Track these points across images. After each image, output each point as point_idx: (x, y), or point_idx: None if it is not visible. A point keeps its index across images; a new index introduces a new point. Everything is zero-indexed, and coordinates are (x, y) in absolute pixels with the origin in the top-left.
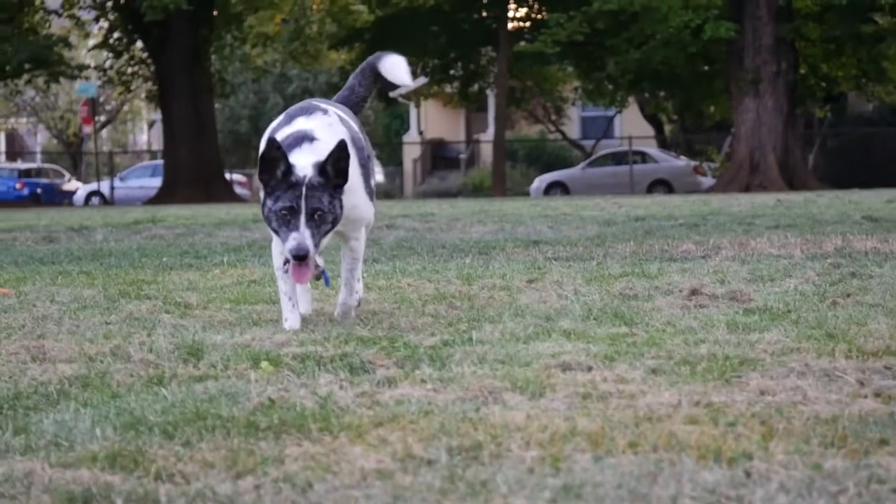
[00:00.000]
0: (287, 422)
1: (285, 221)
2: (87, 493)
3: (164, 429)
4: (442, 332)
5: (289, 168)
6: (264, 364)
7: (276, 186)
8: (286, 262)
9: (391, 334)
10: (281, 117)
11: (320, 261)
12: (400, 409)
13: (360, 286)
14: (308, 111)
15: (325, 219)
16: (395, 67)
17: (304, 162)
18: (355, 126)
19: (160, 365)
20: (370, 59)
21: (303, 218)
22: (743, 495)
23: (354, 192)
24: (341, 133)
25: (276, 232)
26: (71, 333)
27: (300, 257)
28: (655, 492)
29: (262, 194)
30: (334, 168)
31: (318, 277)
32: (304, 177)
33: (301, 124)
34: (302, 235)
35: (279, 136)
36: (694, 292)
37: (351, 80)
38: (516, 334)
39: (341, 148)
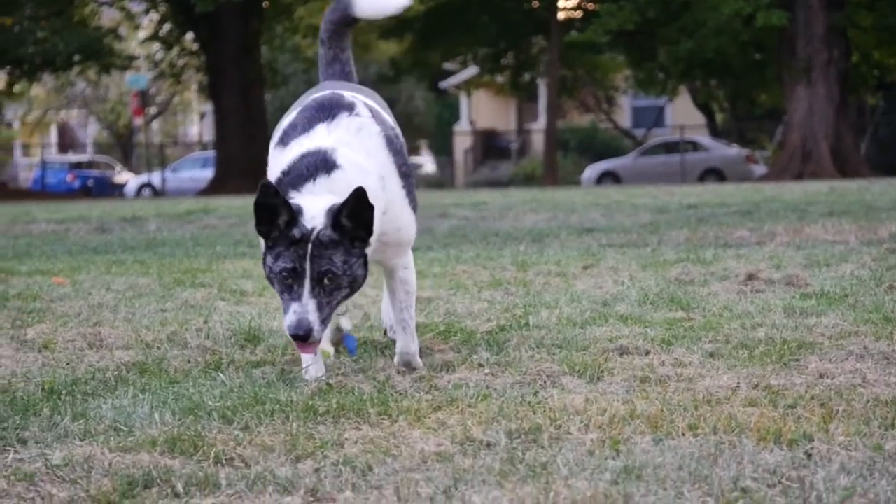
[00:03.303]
0: (345, 406)
1: (286, 286)
2: (147, 477)
3: (222, 413)
4: (498, 317)
5: (292, 217)
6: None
7: (277, 240)
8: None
9: (448, 320)
10: (295, 115)
11: (345, 321)
12: (458, 392)
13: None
14: (330, 113)
15: (338, 283)
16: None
17: (314, 208)
18: (390, 120)
19: (217, 351)
20: (337, 9)
21: (307, 284)
22: (804, 476)
23: (397, 210)
24: (375, 142)
25: (280, 297)
26: (127, 321)
27: (300, 338)
28: (716, 473)
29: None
30: (352, 220)
31: (337, 343)
32: (312, 230)
33: (321, 137)
34: (304, 308)
35: (291, 155)
36: (750, 277)
37: (328, 52)
38: (573, 319)
39: (359, 197)
